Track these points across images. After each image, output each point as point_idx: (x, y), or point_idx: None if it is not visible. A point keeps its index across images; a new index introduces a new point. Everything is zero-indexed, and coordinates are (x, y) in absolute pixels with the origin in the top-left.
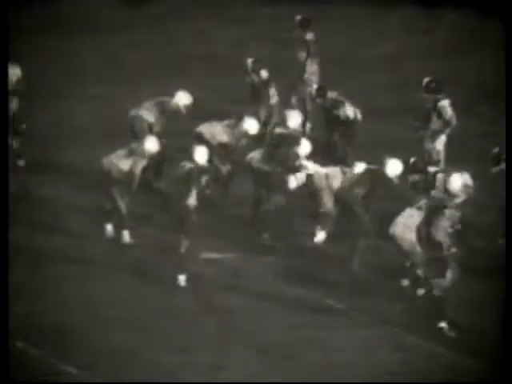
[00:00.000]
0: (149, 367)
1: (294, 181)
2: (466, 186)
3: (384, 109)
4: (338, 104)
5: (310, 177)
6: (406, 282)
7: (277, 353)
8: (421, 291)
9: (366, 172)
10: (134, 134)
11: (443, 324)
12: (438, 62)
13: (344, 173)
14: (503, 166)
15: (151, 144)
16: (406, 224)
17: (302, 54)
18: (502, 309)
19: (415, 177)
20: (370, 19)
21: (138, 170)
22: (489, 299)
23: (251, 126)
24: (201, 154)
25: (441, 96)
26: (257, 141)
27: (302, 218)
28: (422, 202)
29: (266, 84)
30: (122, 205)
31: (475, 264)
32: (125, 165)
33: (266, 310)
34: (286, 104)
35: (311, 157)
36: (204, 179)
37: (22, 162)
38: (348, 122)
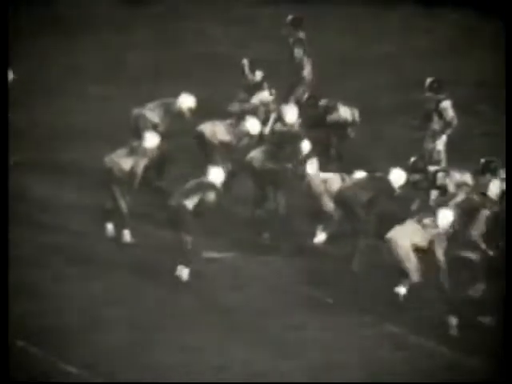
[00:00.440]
0: (149, 367)
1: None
2: (466, 186)
3: (384, 108)
4: (330, 110)
5: (308, 181)
6: (402, 290)
7: (277, 353)
8: (402, 290)
9: (370, 179)
10: (137, 133)
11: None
12: (438, 61)
13: (343, 179)
14: (489, 177)
15: (151, 140)
16: (403, 230)
17: (299, 52)
18: (502, 309)
19: (416, 176)
20: (370, 19)
21: (140, 169)
22: (489, 299)
23: (253, 125)
24: (216, 175)
25: (443, 96)
26: (256, 140)
27: (303, 218)
28: (422, 214)
29: (260, 85)
30: (123, 204)
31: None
32: (126, 164)
33: (266, 309)
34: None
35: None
36: (212, 196)
37: (21, 162)
38: (347, 124)
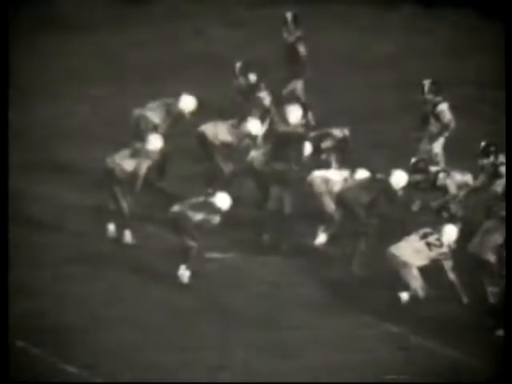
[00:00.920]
0: (150, 367)
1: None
2: (467, 186)
3: (384, 108)
4: (324, 137)
5: (310, 181)
6: (405, 296)
7: (277, 352)
8: (405, 296)
9: (372, 181)
10: (138, 133)
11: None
12: (438, 61)
13: (345, 179)
14: (492, 159)
15: (155, 142)
16: (407, 249)
17: (303, 49)
18: (502, 309)
19: (417, 177)
20: (370, 19)
21: (142, 171)
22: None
23: (254, 126)
24: (223, 201)
25: (439, 99)
26: (257, 141)
27: (304, 218)
28: (425, 228)
29: (254, 87)
30: (125, 204)
31: (471, 265)
32: (129, 165)
33: (266, 309)
34: (278, 101)
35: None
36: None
37: (21, 162)
38: (340, 140)
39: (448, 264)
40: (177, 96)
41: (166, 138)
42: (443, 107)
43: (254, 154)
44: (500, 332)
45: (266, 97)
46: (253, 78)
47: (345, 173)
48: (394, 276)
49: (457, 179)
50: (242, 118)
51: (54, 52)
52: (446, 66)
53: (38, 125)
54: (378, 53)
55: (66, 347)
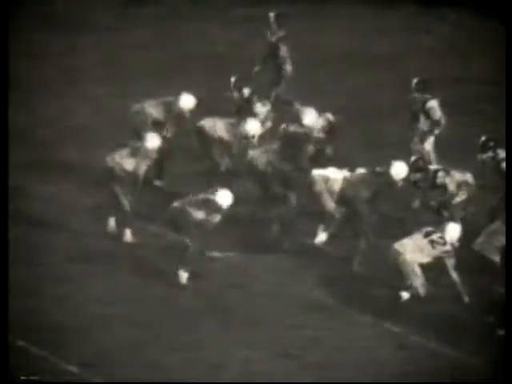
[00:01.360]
0: (150, 366)
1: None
2: (467, 185)
3: (384, 108)
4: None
5: (310, 180)
6: (406, 295)
7: (277, 353)
8: (406, 295)
9: (371, 174)
10: (135, 129)
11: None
12: (438, 61)
13: (345, 177)
14: (490, 153)
15: (153, 141)
16: (410, 247)
17: (284, 49)
18: (503, 308)
19: (416, 175)
20: (370, 18)
21: (142, 171)
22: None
23: (253, 126)
24: (224, 198)
25: (428, 96)
26: (256, 141)
27: (305, 217)
28: (430, 229)
29: (248, 101)
30: (126, 203)
31: (475, 264)
32: (128, 165)
33: (266, 309)
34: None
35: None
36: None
37: (21, 162)
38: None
39: (450, 262)
40: (176, 96)
41: (169, 137)
42: (433, 104)
43: (254, 154)
44: (501, 331)
45: (260, 110)
46: (246, 92)
47: (344, 171)
48: (395, 275)
49: (456, 178)
50: (242, 118)
51: (54, 52)
52: (446, 66)
53: (38, 125)
54: (378, 52)
55: (66, 346)
